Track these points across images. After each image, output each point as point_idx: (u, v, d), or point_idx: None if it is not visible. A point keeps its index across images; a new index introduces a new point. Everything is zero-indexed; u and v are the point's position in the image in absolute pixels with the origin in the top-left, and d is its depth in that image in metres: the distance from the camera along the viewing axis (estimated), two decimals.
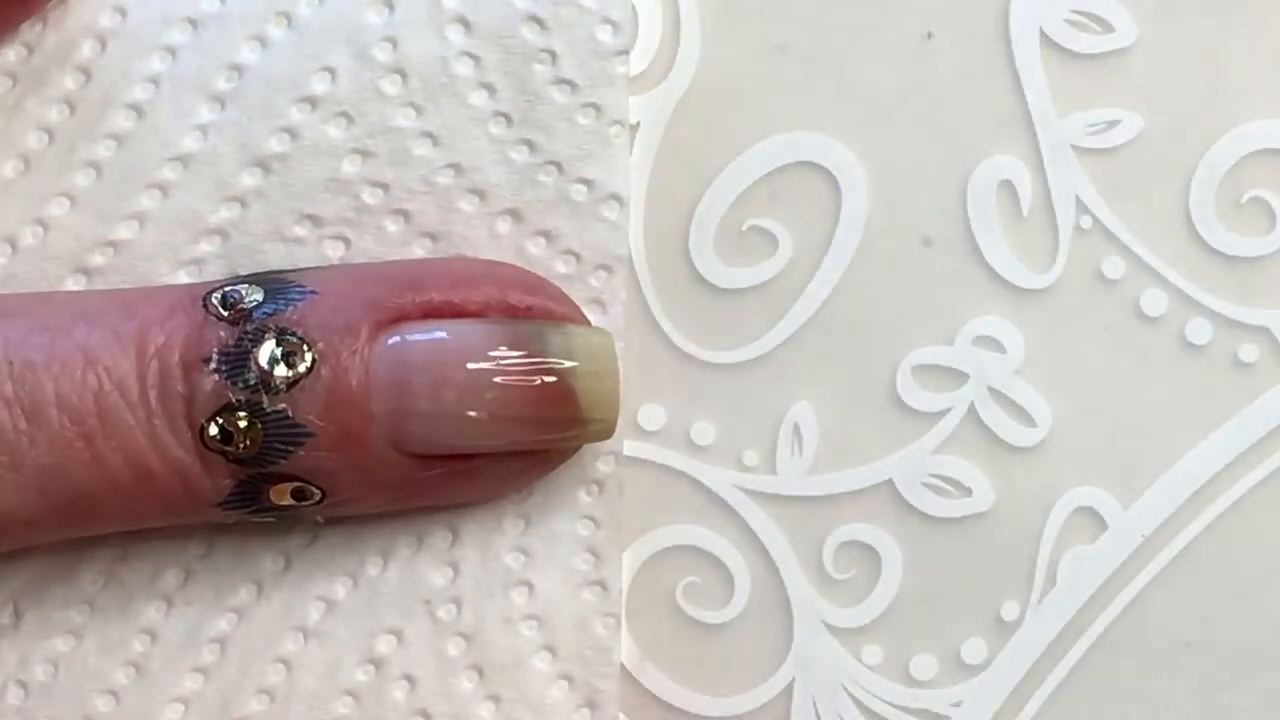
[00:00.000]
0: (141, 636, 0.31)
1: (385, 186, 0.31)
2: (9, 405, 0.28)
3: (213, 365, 0.28)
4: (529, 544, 0.31)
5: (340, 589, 0.31)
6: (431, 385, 0.29)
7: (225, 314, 0.29)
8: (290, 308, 0.29)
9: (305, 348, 0.28)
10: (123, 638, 0.31)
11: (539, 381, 0.29)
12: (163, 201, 0.31)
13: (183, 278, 0.31)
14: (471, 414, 0.29)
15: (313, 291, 0.29)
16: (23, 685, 0.31)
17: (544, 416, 0.29)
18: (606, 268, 0.32)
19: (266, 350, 0.28)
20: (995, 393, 0.32)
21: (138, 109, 0.31)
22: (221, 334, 0.28)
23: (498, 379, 0.29)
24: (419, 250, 0.31)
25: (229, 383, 0.28)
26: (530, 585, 0.31)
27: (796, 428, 0.33)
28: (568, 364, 0.29)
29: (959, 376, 0.33)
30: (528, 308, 0.30)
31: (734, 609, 0.32)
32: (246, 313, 0.29)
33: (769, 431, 0.33)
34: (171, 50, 0.31)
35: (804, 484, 0.33)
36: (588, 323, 0.31)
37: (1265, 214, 0.33)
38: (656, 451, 0.32)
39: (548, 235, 0.32)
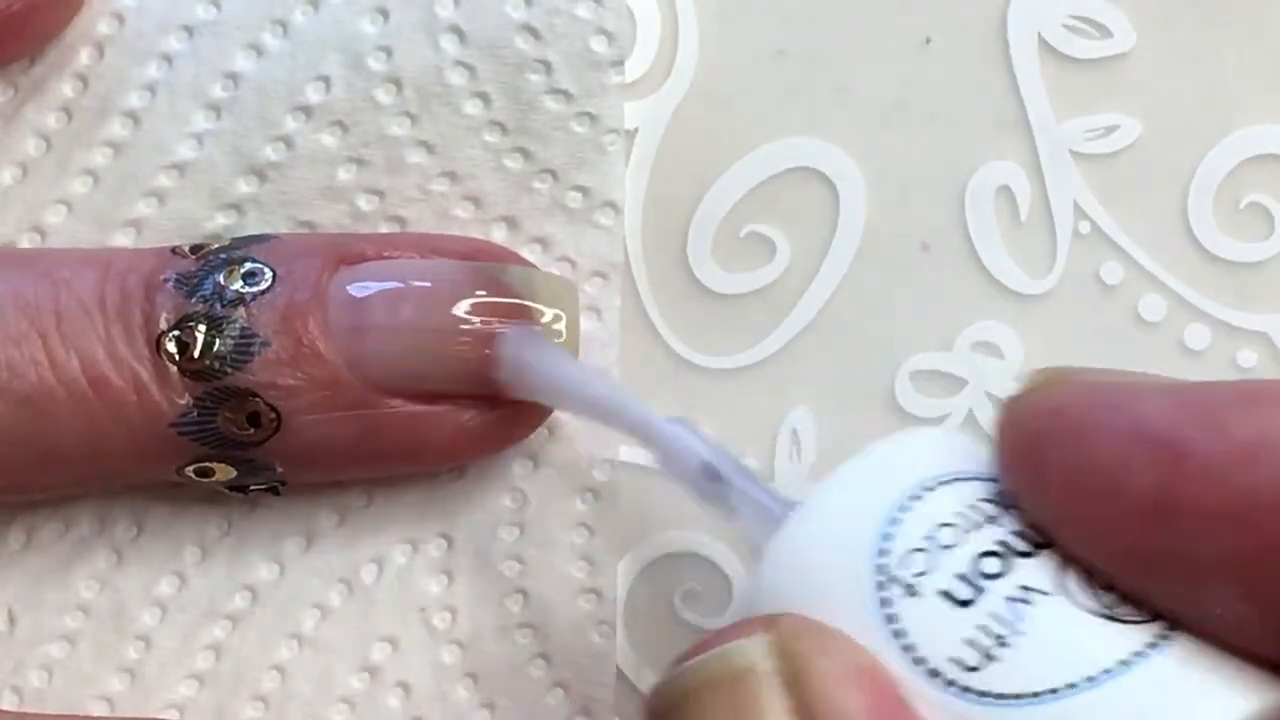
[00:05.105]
0: (136, 643, 0.31)
1: (381, 194, 0.31)
2: None
3: (172, 284, 0.29)
4: (524, 551, 0.31)
5: (335, 596, 0.31)
6: (388, 301, 0.29)
7: (191, 255, 0.29)
8: (254, 246, 0.29)
9: (266, 270, 0.29)
10: (117, 644, 0.31)
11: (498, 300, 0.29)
12: (159, 209, 0.31)
13: None
14: (428, 330, 0.29)
15: (276, 238, 0.30)
16: (17, 691, 0.31)
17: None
18: (602, 274, 0.32)
19: (226, 271, 0.29)
20: (994, 398, 0.32)
21: (134, 117, 0.31)
22: (185, 263, 0.29)
23: (456, 297, 0.29)
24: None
25: (187, 298, 0.28)
26: (525, 593, 0.31)
27: (795, 433, 0.32)
28: (529, 303, 0.29)
29: (958, 382, 0.32)
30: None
31: (732, 615, 0.32)
32: (212, 251, 0.29)
33: (767, 437, 0.33)
34: (168, 58, 0.31)
35: (803, 489, 0.32)
36: None
37: (1263, 219, 0.32)
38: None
39: (543, 242, 0.32)
